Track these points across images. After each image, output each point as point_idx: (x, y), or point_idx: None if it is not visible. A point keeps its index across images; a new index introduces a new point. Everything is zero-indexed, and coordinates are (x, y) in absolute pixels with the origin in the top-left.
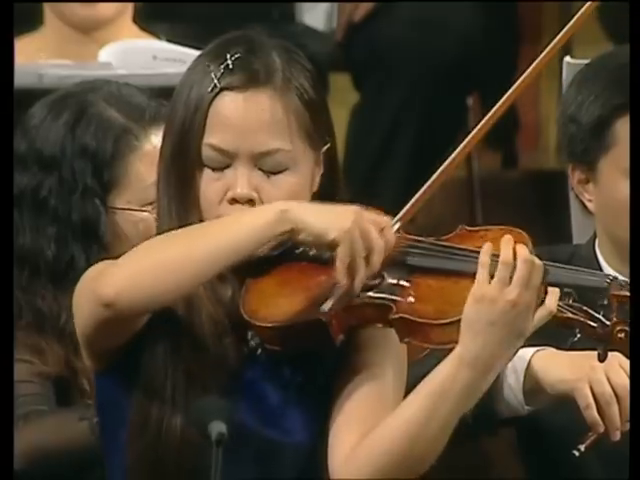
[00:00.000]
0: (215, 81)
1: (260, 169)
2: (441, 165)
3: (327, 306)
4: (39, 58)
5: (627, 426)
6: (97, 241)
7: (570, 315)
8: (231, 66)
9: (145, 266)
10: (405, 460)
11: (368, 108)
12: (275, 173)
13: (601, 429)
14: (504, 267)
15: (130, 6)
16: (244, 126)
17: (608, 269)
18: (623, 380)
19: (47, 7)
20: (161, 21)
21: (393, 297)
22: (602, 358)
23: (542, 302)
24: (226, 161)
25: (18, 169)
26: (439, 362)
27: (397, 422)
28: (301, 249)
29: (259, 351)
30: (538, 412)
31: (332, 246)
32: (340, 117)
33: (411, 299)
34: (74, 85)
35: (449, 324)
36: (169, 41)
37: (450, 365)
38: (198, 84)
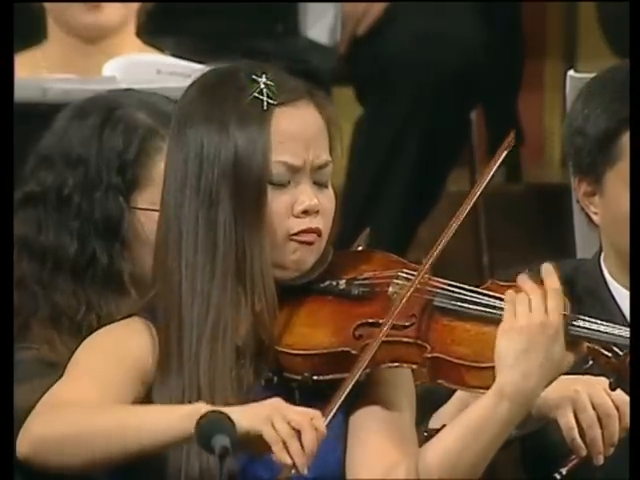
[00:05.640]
0: (265, 99)
1: (314, 182)
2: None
3: None
4: (43, 72)
5: (611, 451)
6: (118, 239)
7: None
8: (272, 83)
9: (67, 433)
10: None
11: (371, 122)
12: (325, 185)
13: (583, 453)
14: (523, 299)
15: (133, 19)
16: (307, 139)
17: (614, 283)
18: (607, 405)
19: (51, 18)
20: (166, 36)
21: (428, 336)
22: (614, 388)
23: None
24: (291, 176)
25: (43, 167)
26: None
27: (436, 451)
28: (327, 283)
29: (275, 380)
30: (542, 425)
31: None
32: (343, 131)
33: (447, 340)
34: (104, 91)
35: (487, 368)
36: (174, 55)
37: (491, 397)
38: (238, 114)
